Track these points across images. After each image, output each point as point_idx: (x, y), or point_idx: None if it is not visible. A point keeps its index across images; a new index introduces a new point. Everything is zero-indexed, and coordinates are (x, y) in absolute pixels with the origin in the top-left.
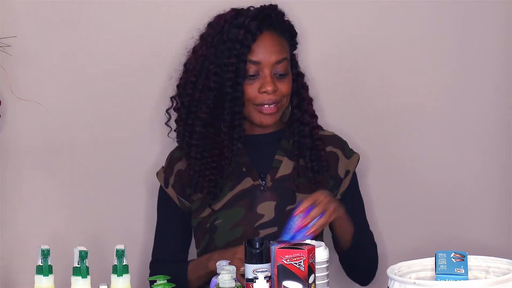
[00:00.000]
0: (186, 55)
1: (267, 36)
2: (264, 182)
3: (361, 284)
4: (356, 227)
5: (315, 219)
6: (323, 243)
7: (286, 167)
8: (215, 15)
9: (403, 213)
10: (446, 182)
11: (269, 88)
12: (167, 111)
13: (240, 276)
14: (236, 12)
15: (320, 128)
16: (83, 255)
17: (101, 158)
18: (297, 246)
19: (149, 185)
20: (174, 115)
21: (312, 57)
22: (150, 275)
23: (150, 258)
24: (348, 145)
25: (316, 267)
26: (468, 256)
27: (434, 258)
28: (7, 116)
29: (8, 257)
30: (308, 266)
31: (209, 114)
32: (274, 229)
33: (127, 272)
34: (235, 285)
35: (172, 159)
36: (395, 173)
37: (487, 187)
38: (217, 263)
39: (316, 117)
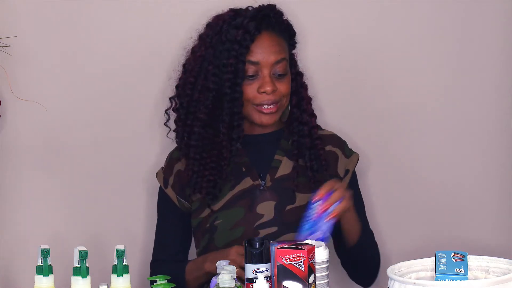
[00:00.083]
0: (185, 56)
1: (265, 36)
2: (263, 182)
3: (365, 286)
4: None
5: (336, 203)
6: (323, 243)
7: (285, 166)
8: (214, 16)
9: (403, 213)
10: (446, 182)
11: (268, 88)
12: (166, 111)
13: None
14: (234, 13)
15: (319, 127)
16: (83, 255)
17: (101, 158)
18: (297, 246)
19: (149, 185)
20: (173, 115)
21: (312, 57)
22: (150, 274)
23: (150, 258)
24: (347, 145)
25: (316, 267)
26: (468, 256)
27: (434, 258)
28: (7, 116)
29: (8, 257)
30: (308, 266)
31: (208, 115)
32: (274, 228)
33: (127, 272)
34: (235, 285)
35: (171, 159)
36: (395, 173)
37: (487, 187)
38: (217, 263)
39: (315, 116)
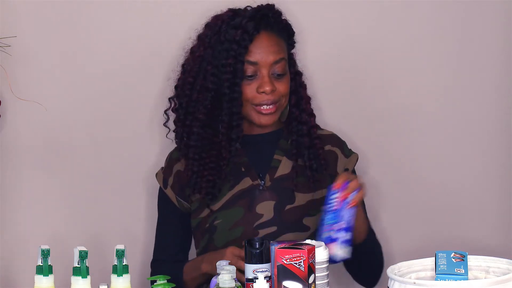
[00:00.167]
0: (184, 56)
1: (264, 36)
2: (263, 182)
3: (369, 286)
4: None
5: (354, 192)
6: (323, 243)
7: (285, 166)
8: (212, 16)
9: (403, 213)
10: (446, 182)
11: (267, 88)
12: (165, 112)
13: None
14: (233, 13)
15: (318, 127)
16: (83, 255)
17: (101, 158)
18: (297, 246)
19: (149, 185)
20: (172, 116)
21: (311, 57)
22: (151, 274)
23: (150, 258)
24: (347, 145)
25: (316, 267)
26: (468, 256)
27: (434, 258)
28: (7, 116)
29: (8, 257)
30: (308, 266)
31: (207, 115)
32: (274, 228)
33: (127, 272)
34: (235, 285)
35: (171, 159)
36: (395, 173)
37: (487, 187)
38: (217, 263)
39: (314, 116)
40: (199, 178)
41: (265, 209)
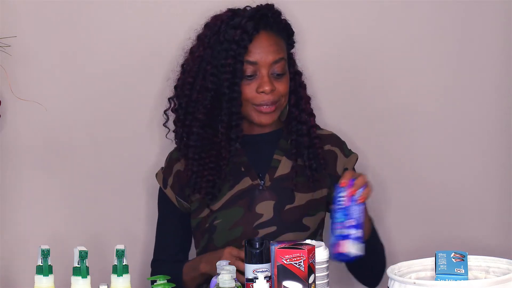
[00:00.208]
0: (183, 56)
1: (263, 36)
2: (262, 181)
3: (371, 286)
4: None
5: (361, 189)
6: (323, 243)
7: (284, 166)
8: (212, 16)
9: (403, 213)
10: (446, 182)
11: (267, 88)
12: (165, 112)
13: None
14: (232, 13)
15: (318, 127)
16: (83, 255)
17: (101, 158)
18: (297, 246)
19: (149, 185)
20: (172, 116)
21: (311, 57)
22: (151, 274)
23: (150, 258)
24: (346, 145)
25: (316, 267)
26: (468, 256)
27: (434, 258)
28: (7, 116)
29: (8, 257)
30: (308, 266)
31: (207, 115)
32: (273, 228)
33: (127, 272)
34: (235, 285)
35: (171, 160)
36: (395, 173)
37: (487, 187)
38: (217, 263)
39: (313, 115)
40: (198, 178)
41: (265, 209)
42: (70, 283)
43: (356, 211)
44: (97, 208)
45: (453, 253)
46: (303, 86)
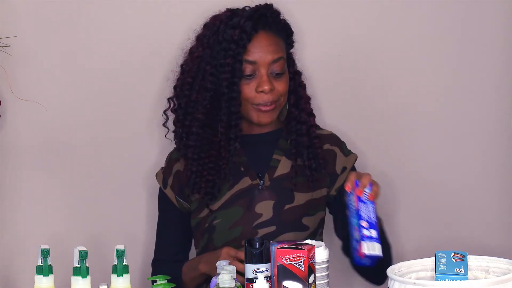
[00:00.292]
0: (183, 57)
1: (262, 36)
2: (262, 181)
3: (378, 284)
4: None
5: (368, 188)
6: (323, 243)
7: (284, 166)
8: (211, 16)
9: (403, 213)
10: (446, 182)
11: (266, 87)
12: (164, 112)
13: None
14: (231, 13)
15: (317, 127)
16: (83, 255)
17: (101, 158)
18: (297, 246)
19: (149, 185)
20: (171, 116)
21: (311, 57)
22: (152, 274)
23: (150, 258)
24: (346, 145)
25: (316, 267)
26: (468, 256)
27: (434, 258)
28: (7, 116)
29: (8, 257)
30: (308, 266)
31: (206, 115)
32: (273, 228)
33: (127, 272)
34: (235, 285)
35: (170, 160)
36: (395, 173)
37: (487, 187)
38: (217, 263)
39: (313, 115)
40: (198, 178)
41: (264, 208)
42: (70, 283)
43: (366, 211)
44: (97, 208)
45: (453, 253)
46: (302, 86)
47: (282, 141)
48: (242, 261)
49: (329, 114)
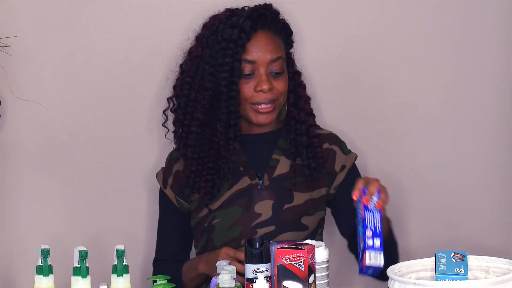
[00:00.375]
0: (182, 57)
1: (261, 35)
2: (261, 181)
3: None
4: None
5: (375, 196)
6: (323, 243)
7: (283, 166)
8: (210, 16)
9: (403, 213)
10: (446, 182)
11: (265, 86)
12: (164, 112)
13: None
14: (230, 12)
15: (317, 127)
16: (83, 255)
17: (101, 158)
18: (297, 246)
19: (149, 185)
20: (171, 116)
21: (311, 57)
22: (153, 273)
23: (150, 258)
24: (346, 145)
25: (316, 267)
26: (468, 256)
27: (434, 258)
28: (7, 116)
29: (8, 257)
30: (308, 266)
31: (205, 114)
32: (272, 228)
33: (127, 272)
34: (235, 285)
35: (170, 160)
36: (395, 173)
37: (487, 187)
38: (217, 263)
39: (313, 115)
40: (197, 178)
41: (263, 208)
42: (70, 283)
43: (371, 220)
44: (97, 208)
45: (453, 253)
46: (302, 86)
47: (282, 141)
48: (240, 262)
49: (329, 114)
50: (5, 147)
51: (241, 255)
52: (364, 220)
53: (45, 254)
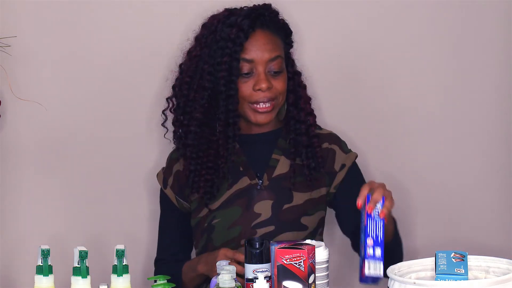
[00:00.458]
0: (182, 57)
1: (259, 34)
2: (261, 181)
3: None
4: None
5: (380, 204)
6: (323, 243)
7: (283, 165)
8: (209, 16)
9: (403, 213)
10: (446, 182)
11: (263, 85)
12: (163, 112)
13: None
14: (229, 12)
15: (318, 127)
16: (83, 255)
17: (101, 158)
18: (297, 246)
19: (149, 185)
20: (170, 116)
21: (311, 57)
22: (154, 273)
23: (151, 258)
24: (346, 144)
25: (316, 267)
26: (468, 256)
27: (434, 258)
28: (7, 116)
29: (8, 257)
30: (308, 266)
31: (204, 114)
32: (271, 227)
33: (127, 272)
34: (235, 285)
35: (171, 160)
36: (395, 173)
37: (487, 187)
38: (217, 263)
39: (313, 115)
40: (197, 177)
41: (263, 208)
42: (70, 283)
43: (373, 229)
44: (97, 208)
45: (453, 253)
46: (302, 86)
47: (282, 141)
48: (239, 263)
49: (329, 114)
50: (5, 147)
51: (240, 257)
52: (366, 228)
53: (45, 254)
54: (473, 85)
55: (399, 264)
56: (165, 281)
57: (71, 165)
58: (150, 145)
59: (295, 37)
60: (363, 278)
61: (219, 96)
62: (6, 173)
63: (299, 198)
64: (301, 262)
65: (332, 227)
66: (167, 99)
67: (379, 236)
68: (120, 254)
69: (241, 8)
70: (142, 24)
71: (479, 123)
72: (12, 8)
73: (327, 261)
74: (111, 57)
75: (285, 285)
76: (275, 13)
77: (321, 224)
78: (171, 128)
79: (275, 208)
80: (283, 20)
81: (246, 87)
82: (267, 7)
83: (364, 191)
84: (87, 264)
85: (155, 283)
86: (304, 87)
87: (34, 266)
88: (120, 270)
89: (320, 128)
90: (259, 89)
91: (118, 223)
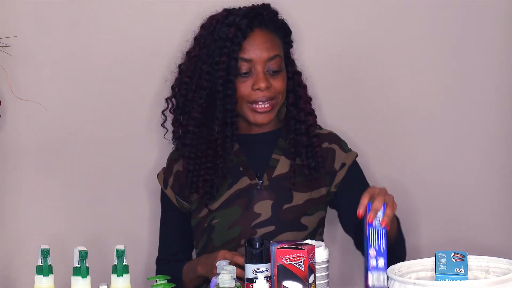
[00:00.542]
0: (181, 58)
1: (258, 34)
2: (260, 181)
3: None
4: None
5: (381, 211)
6: (323, 243)
7: (283, 165)
8: (208, 16)
9: (403, 213)
10: (446, 182)
11: (262, 84)
12: (162, 112)
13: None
14: (227, 12)
15: (319, 127)
16: (83, 255)
17: (101, 158)
18: (297, 246)
19: (149, 185)
20: (170, 116)
21: (311, 57)
22: (155, 272)
23: (151, 258)
24: (346, 144)
25: (316, 267)
26: (468, 256)
27: (434, 258)
28: (7, 116)
29: (8, 257)
30: (308, 266)
31: (202, 114)
32: (271, 228)
33: (127, 272)
34: (235, 285)
35: (171, 160)
36: (395, 173)
37: (487, 187)
38: (217, 263)
39: (313, 115)
40: (195, 177)
41: (263, 208)
42: (70, 283)
43: (375, 238)
44: (97, 208)
45: (453, 253)
46: (302, 86)
47: (282, 141)
48: (238, 265)
49: (329, 114)
50: (5, 147)
51: (238, 259)
52: (368, 238)
53: (45, 254)
54: (473, 85)
55: (399, 264)
56: (165, 281)
57: (71, 165)
58: (150, 145)
59: (295, 37)
60: None
61: (217, 95)
62: (6, 173)
63: (299, 198)
64: (301, 262)
65: (333, 227)
66: (166, 99)
67: (382, 245)
68: (120, 254)
69: (240, 8)
70: (142, 24)
71: (479, 123)
72: (12, 8)
73: (327, 261)
74: (111, 57)
75: (285, 285)
76: (274, 12)
77: (321, 224)
78: (170, 128)
79: (275, 208)
80: (282, 19)
81: (244, 87)
82: (265, 6)
83: (364, 200)
84: (87, 264)
85: (155, 283)
86: (304, 87)
87: (34, 266)
88: (120, 270)
89: (320, 128)
90: (257, 89)
91: (118, 223)
